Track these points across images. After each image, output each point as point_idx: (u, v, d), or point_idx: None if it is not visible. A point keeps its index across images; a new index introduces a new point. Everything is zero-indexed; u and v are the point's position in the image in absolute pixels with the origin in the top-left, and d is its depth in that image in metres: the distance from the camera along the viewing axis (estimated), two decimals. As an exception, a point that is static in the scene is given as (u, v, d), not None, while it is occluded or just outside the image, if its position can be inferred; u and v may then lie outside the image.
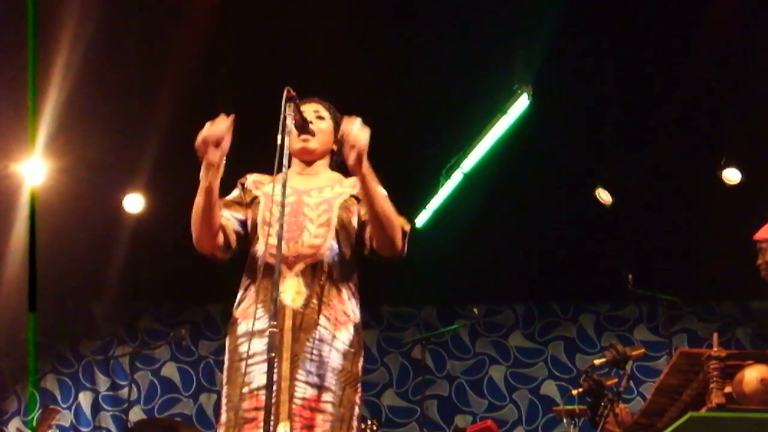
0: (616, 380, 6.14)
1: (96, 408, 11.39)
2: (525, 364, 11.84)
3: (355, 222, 4.60)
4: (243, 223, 4.63)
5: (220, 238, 4.53)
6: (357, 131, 4.21)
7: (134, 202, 9.77)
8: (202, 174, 4.33)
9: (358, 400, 4.40)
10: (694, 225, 10.07)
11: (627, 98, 8.69)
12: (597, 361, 6.18)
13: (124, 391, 10.86)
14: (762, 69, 8.14)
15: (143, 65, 8.27)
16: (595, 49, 8.28)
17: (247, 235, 4.63)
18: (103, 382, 11.47)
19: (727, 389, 3.52)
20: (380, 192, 4.38)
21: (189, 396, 11.58)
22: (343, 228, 4.53)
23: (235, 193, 4.73)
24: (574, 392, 6.38)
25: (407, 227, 4.56)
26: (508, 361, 11.86)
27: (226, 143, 4.32)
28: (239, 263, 4.64)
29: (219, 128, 4.27)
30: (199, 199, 4.37)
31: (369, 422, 8.55)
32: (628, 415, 5.98)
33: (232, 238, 4.57)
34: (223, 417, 4.31)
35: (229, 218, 4.58)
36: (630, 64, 8.44)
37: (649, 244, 10.49)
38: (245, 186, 4.73)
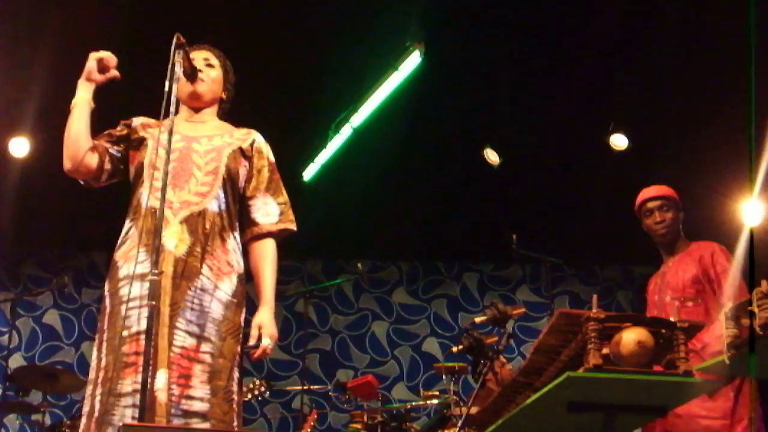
0: (496, 338, 6.17)
1: (-26, 354, 11.25)
2: (408, 320, 11.92)
3: (242, 174, 4.58)
4: (121, 158, 4.60)
5: (93, 160, 4.51)
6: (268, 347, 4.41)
7: (19, 146, 9.58)
8: (78, 88, 4.46)
9: (239, 351, 4.39)
10: (580, 189, 10.19)
11: (519, 59, 8.72)
12: (478, 319, 6.19)
13: (5, 338, 10.67)
14: (652, 35, 8.23)
15: (27, 8, 8.09)
16: (490, 9, 8.28)
17: (125, 169, 4.61)
18: (-18, 328, 11.31)
19: (605, 350, 3.57)
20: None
21: (70, 344, 11.47)
22: (230, 178, 4.51)
23: (117, 128, 4.70)
24: (455, 349, 6.41)
25: (293, 227, 4.75)
26: (391, 317, 11.93)
27: (111, 74, 4.46)
28: (125, 212, 4.57)
29: (113, 57, 4.44)
30: (70, 118, 4.45)
31: (258, 382, 8.54)
32: (509, 373, 6.02)
33: (107, 166, 4.54)
34: (103, 361, 4.23)
35: (106, 145, 4.57)
36: (524, 26, 8.46)
37: (535, 205, 10.58)
38: (131, 125, 4.68)
